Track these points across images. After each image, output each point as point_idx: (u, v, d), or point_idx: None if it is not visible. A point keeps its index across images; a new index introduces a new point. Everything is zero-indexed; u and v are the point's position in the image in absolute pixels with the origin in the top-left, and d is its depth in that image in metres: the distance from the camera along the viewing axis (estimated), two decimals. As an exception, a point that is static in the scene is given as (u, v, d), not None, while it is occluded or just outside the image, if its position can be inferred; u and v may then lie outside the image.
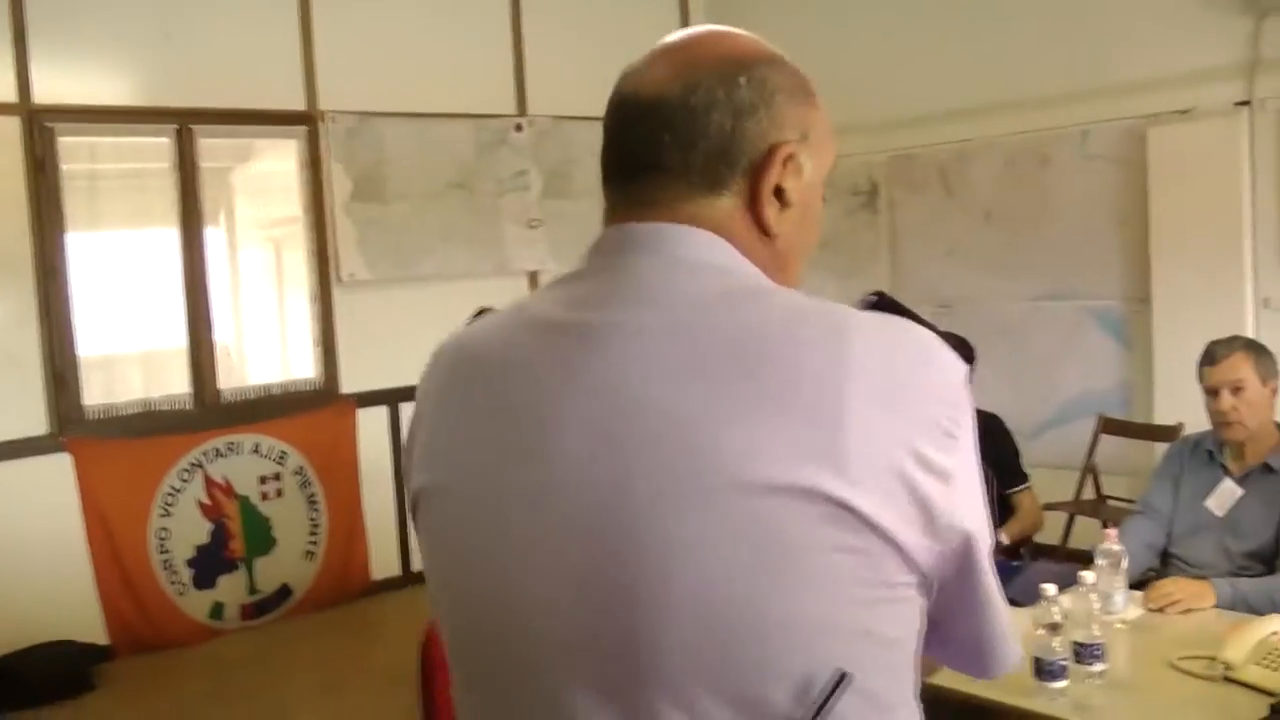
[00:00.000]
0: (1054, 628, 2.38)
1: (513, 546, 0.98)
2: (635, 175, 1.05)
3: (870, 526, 0.91)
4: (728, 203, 1.03)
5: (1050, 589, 2.44)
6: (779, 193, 1.04)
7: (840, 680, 0.92)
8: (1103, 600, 2.71)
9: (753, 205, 1.04)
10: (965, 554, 0.99)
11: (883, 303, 1.07)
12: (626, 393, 0.95)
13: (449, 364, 1.09)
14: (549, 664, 0.97)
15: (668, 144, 1.02)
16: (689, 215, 1.03)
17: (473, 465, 1.02)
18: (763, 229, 1.04)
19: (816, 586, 0.91)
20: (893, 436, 0.93)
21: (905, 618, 0.98)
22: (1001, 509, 3.90)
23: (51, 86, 5.08)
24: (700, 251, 1.01)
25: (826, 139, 1.09)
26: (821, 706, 0.91)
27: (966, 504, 0.98)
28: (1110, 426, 5.46)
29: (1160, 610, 2.90)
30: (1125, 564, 2.89)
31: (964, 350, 3.87)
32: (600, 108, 1.09)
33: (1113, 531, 2.96)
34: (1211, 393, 3.27)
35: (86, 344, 5.25)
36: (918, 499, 0.93)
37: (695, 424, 0.92)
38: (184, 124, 5.44)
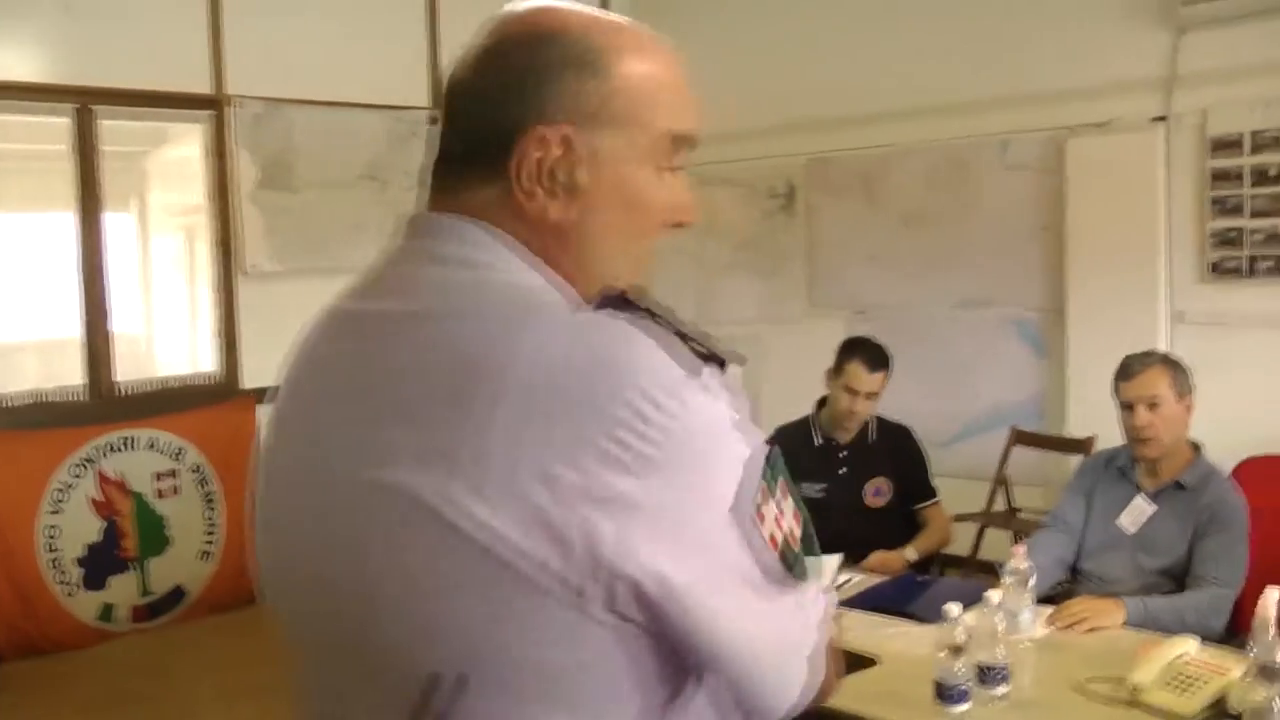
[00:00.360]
0: (956, 650, 2.31)
1: (279, 530, 1.04)
2: (438, 162, 1.04)
3: (492, 546, 0.84)
4: (497, 190, 0.98)
5: (954, 609, 2.36)
6: (551, 176, 0.96)
7: (435, 685, 0.88)
8: (1008, 619, 2.65)
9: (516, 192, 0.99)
10: (664, 596, 0.86)
11: (614, 300, 0.97)
12: (338, 386, 0.98)
13: (300, 337, 1.12)
14: (297, 636, 1.04)
15: (453, 130, 1.02)
16: (461, 204, 1.00)
17: (275, 445, 1.07)
18: (528, 217, 0.98)
19: (431, 598, 0.87)
20: (540, 451, 0.84)
21: (576, 646, 0.87)
22: (909, 524, 3.86)
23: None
24: (452, 245, 0.98)
25: (647, 112, 0.99)
26: (419, 709, 0.88)
27: (658, 537, 0.85)
28: (1023, 438, 5.45)
29: (1069, 628, 2.85)
30: (1033, 582, 2.83)
31: (879, 357, 3.82)
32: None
33: (1020, 548, 2.91)
34: (1127, 408, 3.25)
35: (-25, 332, 5.03)
36: (557, 525, 0.83)
37: (354, 423, 0.93)
38: (84, 104, 5.21)
